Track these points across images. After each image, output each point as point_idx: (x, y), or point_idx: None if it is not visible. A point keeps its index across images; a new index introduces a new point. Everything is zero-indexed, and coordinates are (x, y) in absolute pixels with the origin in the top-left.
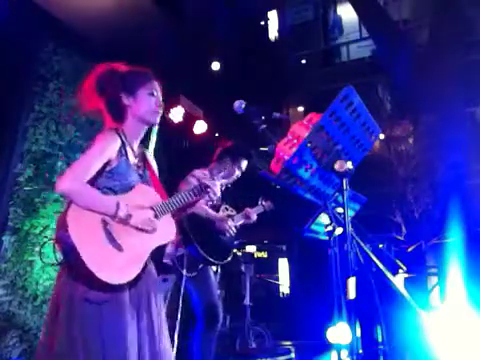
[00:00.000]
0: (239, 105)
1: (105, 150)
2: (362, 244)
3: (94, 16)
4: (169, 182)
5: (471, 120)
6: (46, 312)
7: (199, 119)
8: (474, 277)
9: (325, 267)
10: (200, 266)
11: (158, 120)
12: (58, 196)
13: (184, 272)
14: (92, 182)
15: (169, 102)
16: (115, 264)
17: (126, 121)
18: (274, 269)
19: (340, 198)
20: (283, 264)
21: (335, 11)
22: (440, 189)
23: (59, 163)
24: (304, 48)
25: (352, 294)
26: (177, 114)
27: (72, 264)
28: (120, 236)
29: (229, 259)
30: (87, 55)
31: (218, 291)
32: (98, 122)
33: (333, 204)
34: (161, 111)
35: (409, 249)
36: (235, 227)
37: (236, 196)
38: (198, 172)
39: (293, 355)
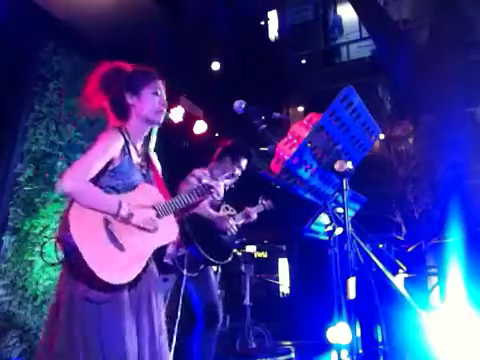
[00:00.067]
0: (239, 105)
1: (108, 149)
2: (362, 244)
3: (94, 16)
4: (169, 182)
5: (471, 120)
6: (46, 312)
7: (199, 119)
8: (474, 277)
9: (325, 267)
10: (201, 266)
11: (162, 119)
12: (58, 196)
13: (185, 272)
14: (95, 181)
15: (169, 102)
16: (116, 264)
17: (130, 120)
18: (274, 269)
19: (340, 198)
20: (283, 264)
21: (335, 11)
22: (440, 189)
23: (59, 163)
24: (304, 48)
25: (352, 294)
26: (177, 114)
27: (73, 263)
28: (122, 235)
29: (230, 259)
30: (87, 55)
31: (218, 291)
32: (98, 122)
33: (333, 204)
34: (165, 110)
35: (409, 249)
36: (236, 226)
37: (236, 196)
38: (198, 172)
39: (293, 355)
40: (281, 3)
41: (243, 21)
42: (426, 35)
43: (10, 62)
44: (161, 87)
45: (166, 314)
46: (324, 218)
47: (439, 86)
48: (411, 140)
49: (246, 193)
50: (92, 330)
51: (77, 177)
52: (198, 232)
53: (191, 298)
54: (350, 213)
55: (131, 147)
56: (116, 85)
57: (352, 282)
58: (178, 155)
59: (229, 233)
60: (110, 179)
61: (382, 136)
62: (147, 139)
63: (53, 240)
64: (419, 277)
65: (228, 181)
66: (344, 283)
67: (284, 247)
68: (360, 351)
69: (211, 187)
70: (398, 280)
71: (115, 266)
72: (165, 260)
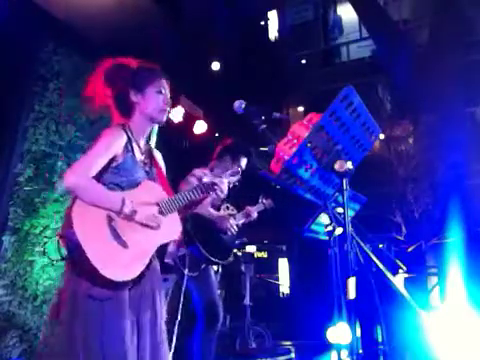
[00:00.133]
0: (239, 105)
1: (111, 145)
2: (362, 244)
3: (94, 16)
4: (169, 182)
5: (471, 120)
6: (46, 312)
7: (199, 119)
8: (474, 277)
9: (325, 267)
10: (202, 266)
11: (165, 118)
12: (58, 196)
13: (186, 272)
14: (98, 178)
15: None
16: (120, 261)
17: (133, 117)
18: (274, 269)
19: (340, 198)
20: (283, 264)
21: (335, 11)
22: (440, 189)
23: (59, 163)
24: (304, 48)
25: (352, 294)
26: (177, 114)
27: (76, 260)
28: (125, 232)
29: (231, 259)
30: (87, 55)
31: (218, 291)
32: (98, 122)
33: (333, 204)
34: (169, 109)
35: (409, 249)
36: (236, 226)
37: (236, 195)
38: (198, 171)
39: (293, 355)
40: (281, 3)
41: (243, 21)
42: (426, 35)
43: (10, 62)
44: (165, 86)
45: (166, 313)
46: (324, 218)
47: (439, 86)
48: (411, 140)
49: (246, 193)
50: (94, 328)
51: (80, 174)
52: (199, 231)
53: (191, 297)
54: (350, 213)
55: (134, 144)
56: (121, 80)
57: (352, 282)
58: (178, 155)
59: (229, 233)
60: (113, 176)
61: (382, 136)
62: (148, 138)
63: (55, 239)
64: (419, 277)
65: (233, 178)
66: (344, 283)
67: (284, 247)
68: (360, 351)
69: (215, 184)
70: (398, 280)
71: (118, 263)
72: (166, 260)
